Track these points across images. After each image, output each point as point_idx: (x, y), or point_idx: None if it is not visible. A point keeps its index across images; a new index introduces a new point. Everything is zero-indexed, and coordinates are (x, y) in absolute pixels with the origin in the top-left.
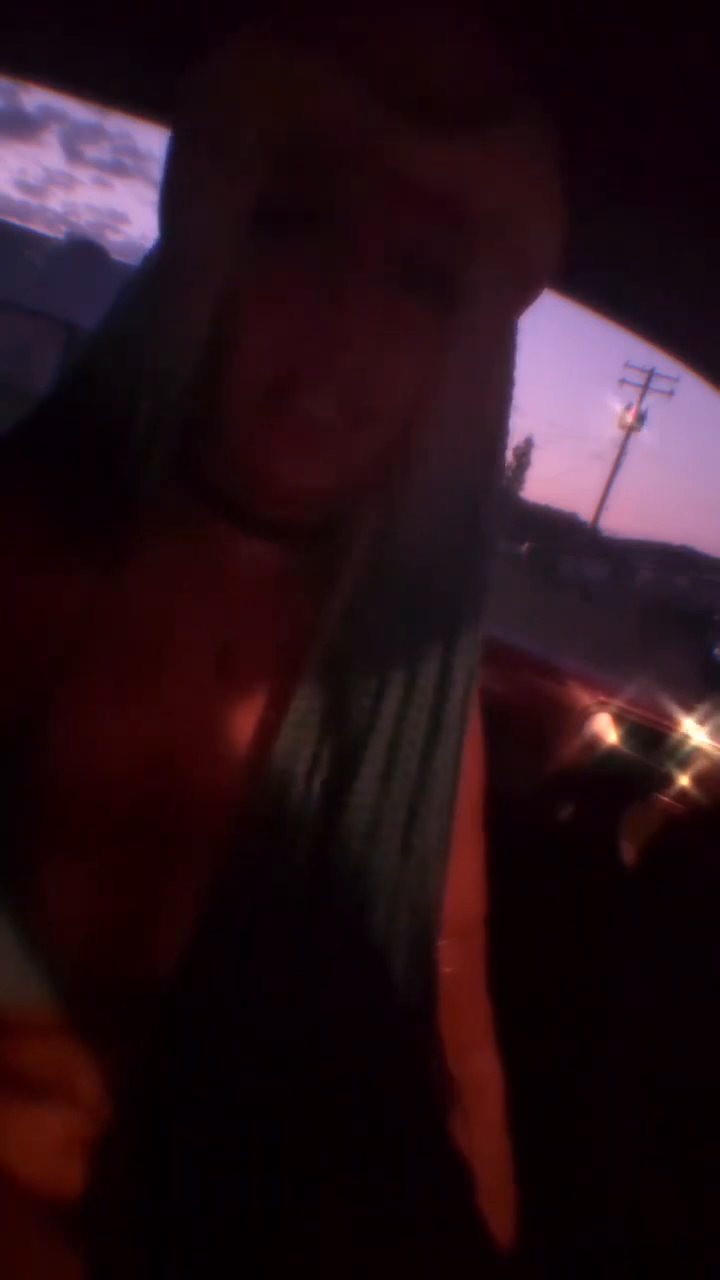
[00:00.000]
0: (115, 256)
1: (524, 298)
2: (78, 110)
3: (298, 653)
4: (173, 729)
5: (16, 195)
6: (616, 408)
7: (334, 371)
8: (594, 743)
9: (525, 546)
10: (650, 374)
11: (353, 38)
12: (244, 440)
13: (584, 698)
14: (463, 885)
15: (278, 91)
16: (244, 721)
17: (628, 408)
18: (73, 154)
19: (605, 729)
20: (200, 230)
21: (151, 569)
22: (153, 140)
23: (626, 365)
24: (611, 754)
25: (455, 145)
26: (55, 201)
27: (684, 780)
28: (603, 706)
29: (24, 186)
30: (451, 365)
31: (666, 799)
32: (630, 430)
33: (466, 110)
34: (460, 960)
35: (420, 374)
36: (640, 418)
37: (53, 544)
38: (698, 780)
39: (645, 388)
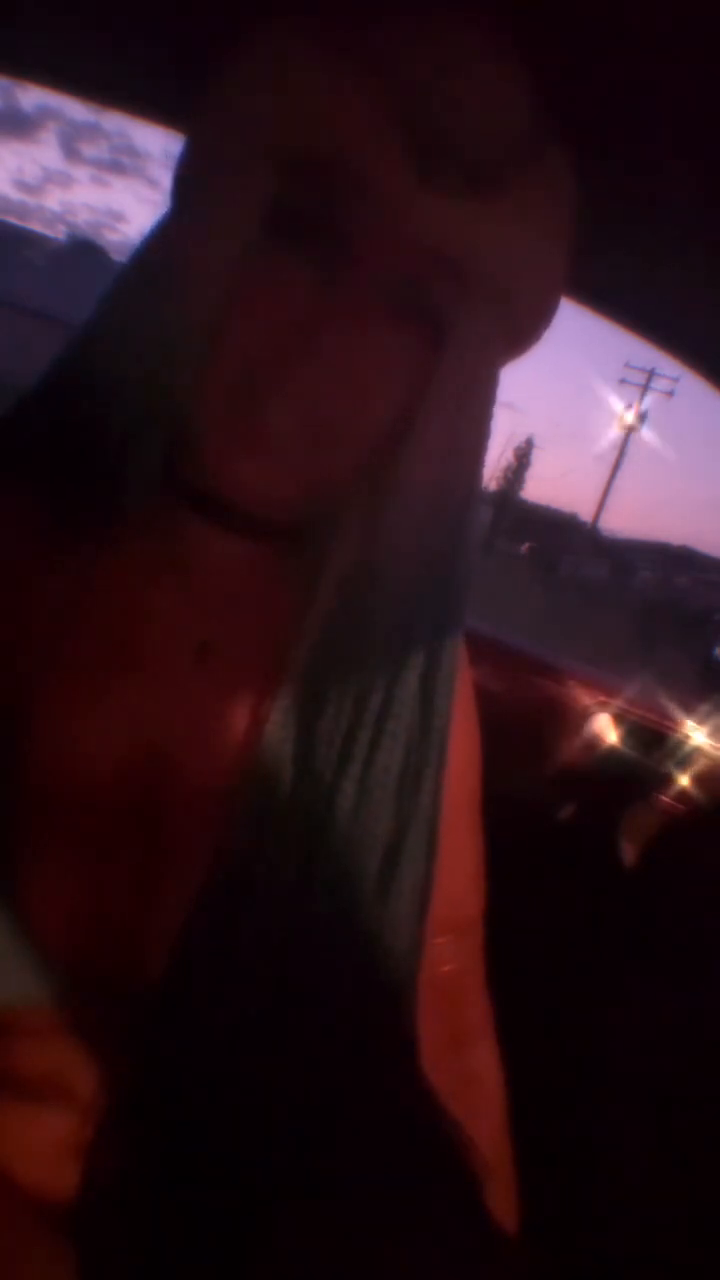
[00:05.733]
0: (115, 256)
1: (512, 351)
2: (75, 109)
3: (279, 649)
4: (153, 724)
5: (14, 194)
6: (616, 408)
7: (297, 383)
8: (594, 743)
9: (525, 546)
10: (650, 374)
11: (377, 58)
12: (208, 439)
13: (584, 698)
14: (460, 882)
15: (298, 106)
16: (224, 717)
17: (628, 408)
18: (70, 153)
19: (605, 729)
20: (208, 227)
21: (132, 564)
22: (151, 139)
23: (626, 365)
24: (611, 754)
25: (460, 210)
26: (53, 200)
27: (684, 780)
28: (603, 706)
29: (22, 185)
30: (429, 400)
31: (666, 799)
32: (630, 430)
33: (481, 169)
34: (459, 957)
35: (392, 402)
36: (640, 418)
37: (34, 538)
38: (698, 780)
39: (645, 388)
